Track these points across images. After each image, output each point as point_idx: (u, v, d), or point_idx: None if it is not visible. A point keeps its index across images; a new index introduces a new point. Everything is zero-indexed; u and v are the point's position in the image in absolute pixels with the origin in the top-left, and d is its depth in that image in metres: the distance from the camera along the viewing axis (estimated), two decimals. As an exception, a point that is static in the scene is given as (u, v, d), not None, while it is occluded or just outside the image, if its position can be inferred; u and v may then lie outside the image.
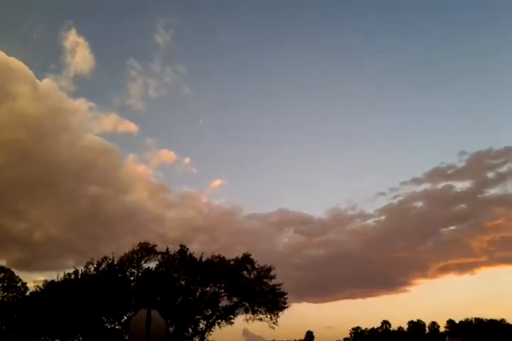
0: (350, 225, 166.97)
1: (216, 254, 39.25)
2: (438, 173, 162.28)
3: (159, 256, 38.81)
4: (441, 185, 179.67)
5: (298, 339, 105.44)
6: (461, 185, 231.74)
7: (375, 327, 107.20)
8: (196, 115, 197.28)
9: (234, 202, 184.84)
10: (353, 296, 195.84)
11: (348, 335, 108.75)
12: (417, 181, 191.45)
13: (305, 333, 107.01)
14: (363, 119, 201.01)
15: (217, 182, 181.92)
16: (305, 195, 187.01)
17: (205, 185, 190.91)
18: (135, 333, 8.99)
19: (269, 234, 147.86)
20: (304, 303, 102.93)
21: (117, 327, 37.55)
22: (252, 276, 38.44)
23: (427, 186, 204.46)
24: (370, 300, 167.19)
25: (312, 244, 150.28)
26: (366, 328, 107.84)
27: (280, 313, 37.77)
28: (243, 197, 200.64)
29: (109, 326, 39.36)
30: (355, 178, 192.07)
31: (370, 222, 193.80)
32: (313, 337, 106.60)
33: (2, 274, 57.56)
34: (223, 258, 38.88)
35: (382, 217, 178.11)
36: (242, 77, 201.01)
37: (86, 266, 39.82)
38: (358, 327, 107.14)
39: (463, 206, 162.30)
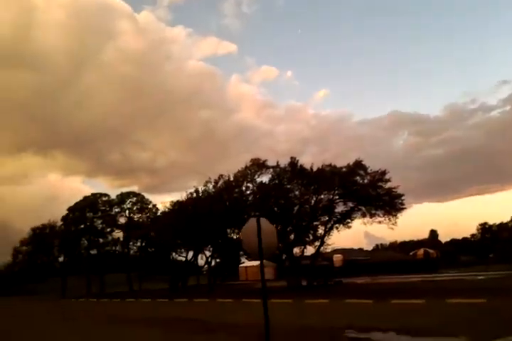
0: (471, 120, 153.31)
1: (327, 163, 39.09)
2: None
3: (271, 170, 39.69)
4: None
5: (421, 238, 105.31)
6: None
7: (505, 221, 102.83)
8: (293, 26, 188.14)
9: (341, 110, 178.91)
10: (480, 192, 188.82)
11: (474, 232, 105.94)
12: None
13: (428, 232, 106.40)
14: None
15: (322, 92, 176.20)
16: (418, 93, 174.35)
17: (310, 97, 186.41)
18: (247, 241, 9.16)
19: (381, 138, 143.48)
20: (426, 203, 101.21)
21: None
22: (365, 181, 37.98)
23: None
24: (499, 195, 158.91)
25: (430, 144, 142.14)
26: (495, 223, 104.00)
27: (399, 215, 37.42)
28: (351, 104, 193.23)
29: (234, 237, 42.27)
30: (471, 68, 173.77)
31: (493, 113, 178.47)
32: (437, 235, 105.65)
33: (135, 198, 63.65)
34: (334, 166, 38.61)
35: (508, 108, 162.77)
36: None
37: (205, 185, 42.37)
38: (485, 223, 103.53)
39: None
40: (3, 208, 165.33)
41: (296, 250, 39.44)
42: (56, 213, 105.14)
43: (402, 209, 37.47)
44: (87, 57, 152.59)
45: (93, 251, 65.24)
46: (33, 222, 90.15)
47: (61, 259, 64.99)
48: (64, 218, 63.81)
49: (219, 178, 41.62)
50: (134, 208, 63.04)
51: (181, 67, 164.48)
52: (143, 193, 65.39)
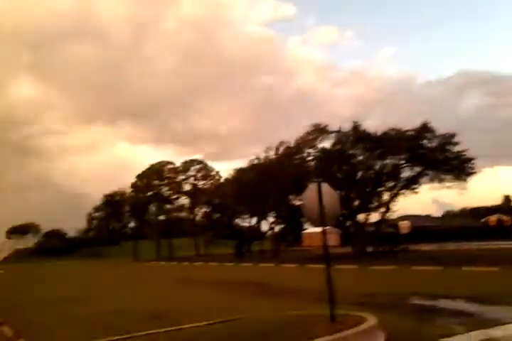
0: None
1: (392, 127, 37.58)
2: None
3: (333, 135, 38.76)
4: None
5: (493, 204, 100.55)
6: None
7: None
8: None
9: (407, 70, 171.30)
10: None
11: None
12: None
13: (501, 198, 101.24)
14: None
15: (385, 52, 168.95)
16: (490, 51, 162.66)
17: (373, 58, 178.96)
18: (308, 207, 8.83)
19: (450, 99, 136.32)
20: (499, 167, 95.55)
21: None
22: (433, 145, 36.29)
23: None
24: None
25: (504, 104, 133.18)
26: None
27: (469, 179, 35.66)
28: (417, 64, 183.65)
29: (296, 203, 42.23)
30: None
31: None
32: (510, 200, 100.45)
33: (198, 166, 64.95)
34: (400, 130, 37.09)
35: None
36: None
37: (266, 152, 42.21)
38: None
39: None
40: (77, 177, 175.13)
41: (361, 216, 38.79)
42: (125, 181, 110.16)
43: (473, 173, 35.65)
44: (148, 26, 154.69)
45: (161, 217, 67.80)
46: (105, 190, 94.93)
47: (132, 224, 68.21)
48: (133, 185, 66.55)
49: (280, 145, 41.33)
50: (198, 175, 64.45)
51: (240, 32, 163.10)
52: (206, 161, 66.65)
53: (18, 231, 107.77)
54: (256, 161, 42.66)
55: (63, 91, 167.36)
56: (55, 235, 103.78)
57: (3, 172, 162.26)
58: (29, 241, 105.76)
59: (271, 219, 48.82)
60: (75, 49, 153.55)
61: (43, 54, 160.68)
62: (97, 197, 76.04)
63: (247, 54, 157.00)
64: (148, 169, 66.43)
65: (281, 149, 41.03)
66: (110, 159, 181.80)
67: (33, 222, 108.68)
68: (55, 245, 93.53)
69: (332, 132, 38.55)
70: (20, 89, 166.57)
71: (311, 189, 8.57)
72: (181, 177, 65.47)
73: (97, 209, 64.70)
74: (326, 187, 8.53)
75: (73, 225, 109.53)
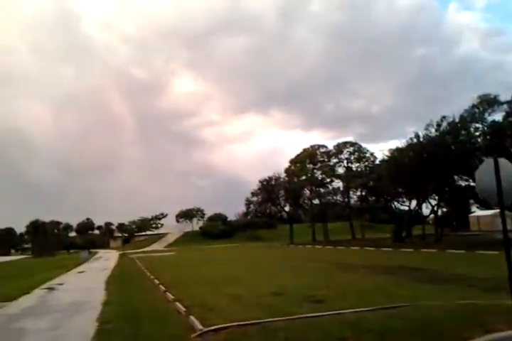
0: None
1: None
2: None
3: (505, 106, 34.29)
4: None
5: None
6: None
7: None
8: None
9: None
10: None
11: None
12: None
13: None
14: None
15: None
16: None
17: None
18: (482, 185, 7.92)
19: None
20: None
21: (472, 184, 36.06)
22: None
23: None
24: None
25: None
26: None
27: None
28: None
29: (462, 184, 38.51)
30: None
31: None
32: None
33: (351, 148, 63.37)
34: None
35: None
36: None
37: (426, 129, 38.94)
38: None
39: None
40: (234, 163, 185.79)
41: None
42: (279, 166, 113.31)
43: None
44: (296, 10, 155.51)
45: (315, 201, 67.96)
46: (260, 174, 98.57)
47: (287, 209, 69.51)
48: (286, 170, 67.66)
49: (442, 120, 37.83)
50: (352, 158, 62.90)
51: (391, 3, 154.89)
52: (359, 143, 64.67)
53: (185, 215, 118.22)
54: (414, 140, 39.63)
55: (219, 83, 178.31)
56: (218, 219, 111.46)
57: (171, 162, 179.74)
58: (195, 225, 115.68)
59: (433, 202, 45.36)
60: (227, 41, 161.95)
61: (199, 49, 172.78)
62: (253, 182, 79.03)
63: (400, 26, 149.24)
64: (301, 153, 66.86)
65: (444, 125, 37.52)
66: (263, 146, 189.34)
67: (199, 207, 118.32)
68: (217, 228, 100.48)
69: (504, 103, 34.13)
70: (181, 84, 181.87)
71: (487, 165, 7.84)
72: (334, 160, 64.62)
73: (253, 193, 67.02)
74: (504, 162, 7.67)
75: (233, 209, 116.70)
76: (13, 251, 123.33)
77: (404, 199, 50.27)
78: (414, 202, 48.66)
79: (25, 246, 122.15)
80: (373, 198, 57.95)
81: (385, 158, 46.93)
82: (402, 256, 27.97)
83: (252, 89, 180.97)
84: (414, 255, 28.73)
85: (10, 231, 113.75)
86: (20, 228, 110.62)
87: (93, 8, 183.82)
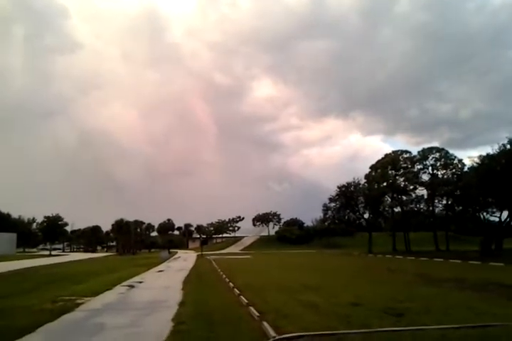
0: None
1: None
2: None
3: None
4: None
5: None
6: None
7: None
8: None
9: None
10: None
11: None
12: None
13: None
14: None
15: None
16: None
17: None
18: None
19: None
20: None
21: None
22: None
23: None
24: None
25: None
26: None
27: None
28: None
29: None
30: None
31: None
32: None
33: (438, 154, 60.35)
34: None
35: None
36: None
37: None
38: None
39: None
40: (312, 168, 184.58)
41: None
42: (359, 171, 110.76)
43: None
44: (380, 11, 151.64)
45: (397, 209, 65.43)
46: (338, 180, 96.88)
47: (366, 216, 67.53)
48: (367, 176, 65.74)
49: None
50: (438, 164, 59.77)
51: (483, 2, 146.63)
52: (445, 148, 61.36)
53: (261, 219, 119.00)
54: (508, 147, 36.88)
55: (299, 87, 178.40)
56: (294, 224, 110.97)
57: (249, 166, 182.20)
58: (271, 229, 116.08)
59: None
60: (308, 44, 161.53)
61: (280, 53, 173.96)
62: (331, 187, 77.74)
63: (493, 26, 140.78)
64: (383, 159, 64.75)
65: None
66: (343, 150, 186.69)
67: (275, 211, 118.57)
68: (293, 233, 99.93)
69: None
70: (261, 88, 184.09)
71: None
72: (418, 166, 61.81)
73: (331, 199, 65.77)
74: None
75: (310, 215, 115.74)
76: (99, 248, 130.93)
77: (495, 210, 47.18)
78: (505, 213, 45.47)
79: (110, 243, 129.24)
80: (460, 207, 54.81)
81: (475, 165, 44.32)
82: (492, 270, 26.03)
83: (333, 93, 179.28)
84: (505, 270, 26.61)
85: (97, 229, 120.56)
86: (106, 226, 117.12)
87: (179, 16, 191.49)
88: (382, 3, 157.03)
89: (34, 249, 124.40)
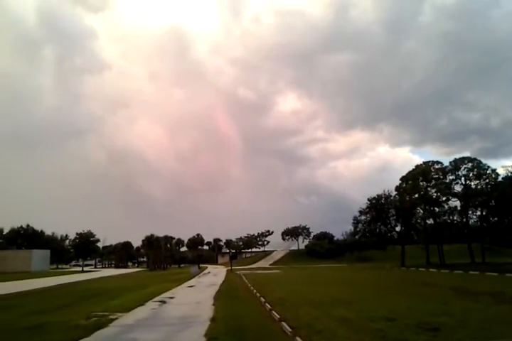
0: None
1: None
2: None
3: None
4: None
5: None
6: None
7: None
8: None
9: None
10: None
11: None
12: None
13: None
14: None
15: None
16: None
17: None
18: None
19: None
20: None
21: None
22: None
23: None
24: None
25: None
26: None
27: None
28: None
29: None
30: None
31: None
32: None
33: (470, 164, 58.96)
34: None
35: None
36: None
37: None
38: None
39: None
40: (340, 181, 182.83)
41: None
42: (388, 183, 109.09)
43: None
44: (403, 22, 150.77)
45: (429, 221, 63.98)
46: (368, 193, 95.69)
47: (398, 228, 66.26)
48: (397, 188, 64.60)
49: None
50: (470, 175, 58.27)
51: (510, 9, 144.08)
52: (477, 158, 59.86)
53: (290, 233, 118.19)
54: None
55: (324, 100, 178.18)
56: (323, 237, 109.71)
57: (276, 180, 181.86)
58: (300, 243, 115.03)
59: None
60: (331, 58, 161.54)
61: (303, 67, 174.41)
62: (360, 200, 76.69)
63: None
64: (414, 170, 63.61)
65: None
66: (371, 162, 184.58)
67: (304, 225, 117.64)
68: (323, 247, 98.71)
69: None
70: (285, 102, 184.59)
71: None
72: (451, 177, 60.42)
73: (362, 212, 64.85)
74: None
75: (340, 228, 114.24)
76: (130, 263, 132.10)
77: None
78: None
79: (141, 259, 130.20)
80: (495, 218, 53.24)
81: (509, 174, 43.11)
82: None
83: (359, 105, 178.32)
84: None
85: (128, 244, 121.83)
86: (136, 242, 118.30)
87: (203, 33, 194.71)
88: (407, 14, 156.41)
89: (67, 266, 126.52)
